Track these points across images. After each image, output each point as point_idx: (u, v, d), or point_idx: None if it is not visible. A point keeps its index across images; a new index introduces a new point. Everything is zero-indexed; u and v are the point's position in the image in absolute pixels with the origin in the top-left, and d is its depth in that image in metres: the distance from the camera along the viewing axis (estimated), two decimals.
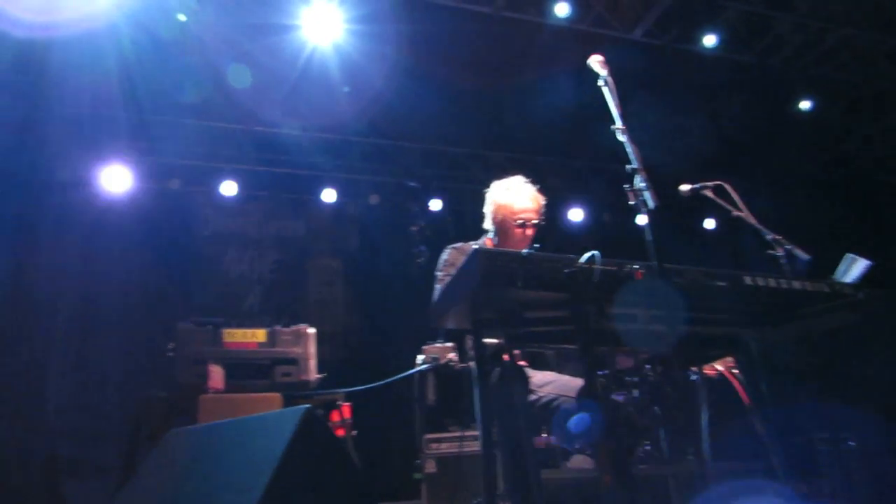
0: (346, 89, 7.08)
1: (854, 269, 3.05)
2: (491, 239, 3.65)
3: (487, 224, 3.67)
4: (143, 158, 7.42)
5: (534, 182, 3.70)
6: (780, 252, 3.53)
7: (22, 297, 6.83)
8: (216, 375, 4.43)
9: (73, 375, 6.87)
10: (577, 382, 3.13)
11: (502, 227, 3.58)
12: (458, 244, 3.58)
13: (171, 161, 7.59)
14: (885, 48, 7.33)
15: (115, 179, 7.21)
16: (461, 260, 3.34)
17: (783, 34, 6.97)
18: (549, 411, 3.21)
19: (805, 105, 7.15)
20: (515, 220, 3.52)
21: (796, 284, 2.55)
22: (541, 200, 3.64)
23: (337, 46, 6.34)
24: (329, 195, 8.31)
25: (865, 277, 2.95)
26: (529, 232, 3.54)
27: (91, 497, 6.49)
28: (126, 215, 7.33)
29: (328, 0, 5.87)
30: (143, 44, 6.08)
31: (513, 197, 3.58)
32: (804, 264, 3.38)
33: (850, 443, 6.05)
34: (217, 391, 4.43)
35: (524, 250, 2.22)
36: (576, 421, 2.61)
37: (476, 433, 2.66)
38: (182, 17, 5.81)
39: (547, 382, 3.18)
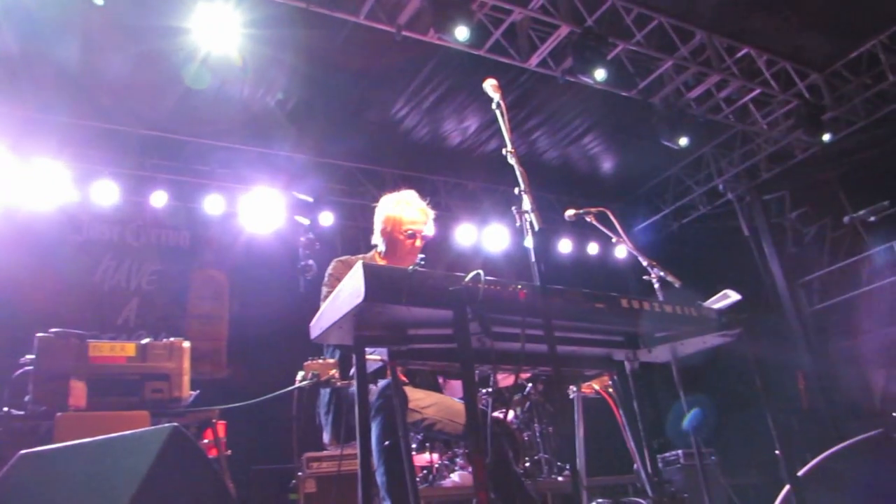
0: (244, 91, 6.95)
1: (725, 301, 3.26)
2: (380, 253, 3.63)
3: (376, 238, 3.65)
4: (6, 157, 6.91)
5: (425, 198, 3.72)
6: (654, 278, 3.73)
7: None
8: (78, 392, 4.12)
9: None
10: (459, 406, 3.13)
11: (391, 239, 3.57)
12: (345, 257, 3.52)
13: (43, 162, 7.08)
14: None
15: None
16: (347, 274, 3.28)
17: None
18: (432, 434, 3.20)
19: (683, 141, 7.56)
20: (404, 231, 3.53)
21: (667, 308, 2.67)
22: (430, 213, 3.66)
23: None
24: (216, 203, 8.04)
25: (733, 308, 3.15)
26: (418, 243, 3.56)
27: None
28: None
29: (224, 2, 5.72)
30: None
31: (402, 209, 3.59)
32: (676, 290, 3.58)
33: (713, 457, 6.47)
34: (78, 409, 4.12)
35: (411, 267, 2.21)
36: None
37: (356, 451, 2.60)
38: (99, 2, 5.43)
39: (430, 404, 3.17)
